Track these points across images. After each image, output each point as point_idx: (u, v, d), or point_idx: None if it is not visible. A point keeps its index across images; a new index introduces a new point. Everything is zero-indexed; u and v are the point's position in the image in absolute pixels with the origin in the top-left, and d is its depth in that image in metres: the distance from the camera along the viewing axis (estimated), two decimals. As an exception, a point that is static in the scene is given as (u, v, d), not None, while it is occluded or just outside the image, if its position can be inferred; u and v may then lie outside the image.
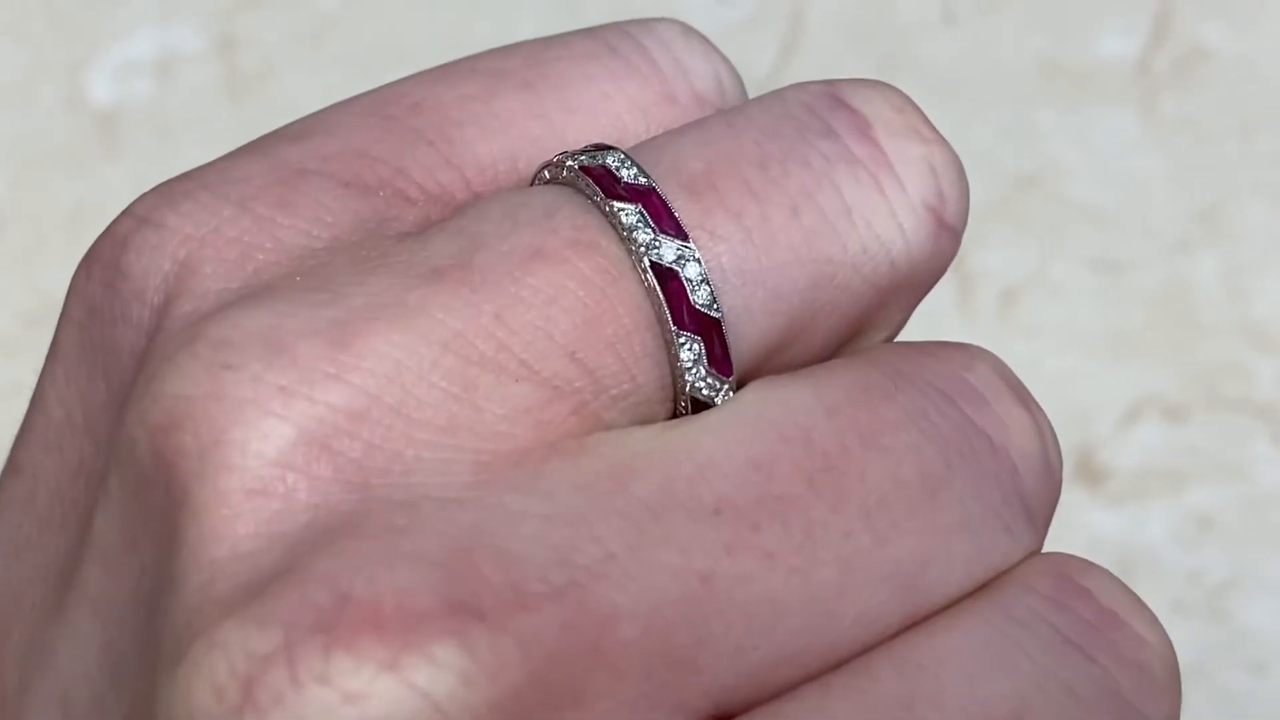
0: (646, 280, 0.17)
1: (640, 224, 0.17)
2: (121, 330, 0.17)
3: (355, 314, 0.16)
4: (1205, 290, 0.40)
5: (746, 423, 0.17)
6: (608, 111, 0.18)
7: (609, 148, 0.17)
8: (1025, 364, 0.40)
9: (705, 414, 0.17)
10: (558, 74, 0.18)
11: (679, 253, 0.17)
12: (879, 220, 0.18)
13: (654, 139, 0.18)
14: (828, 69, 0.42)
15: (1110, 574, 0.18)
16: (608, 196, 0.17)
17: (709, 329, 0.17)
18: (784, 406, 0.17)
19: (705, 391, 0.17)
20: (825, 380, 0.17)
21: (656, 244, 0.17)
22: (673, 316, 0.17)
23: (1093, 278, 0.40)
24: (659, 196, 0.17)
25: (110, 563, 0.16)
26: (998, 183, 0.41)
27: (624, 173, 0.17)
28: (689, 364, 0.17)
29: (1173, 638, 0.38)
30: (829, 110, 0.18)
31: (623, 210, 0.17)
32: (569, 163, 0.17)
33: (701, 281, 0.17)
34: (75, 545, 0.17)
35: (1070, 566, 0.18)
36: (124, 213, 0.18)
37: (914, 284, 0.18)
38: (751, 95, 0.20)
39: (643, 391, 0.17)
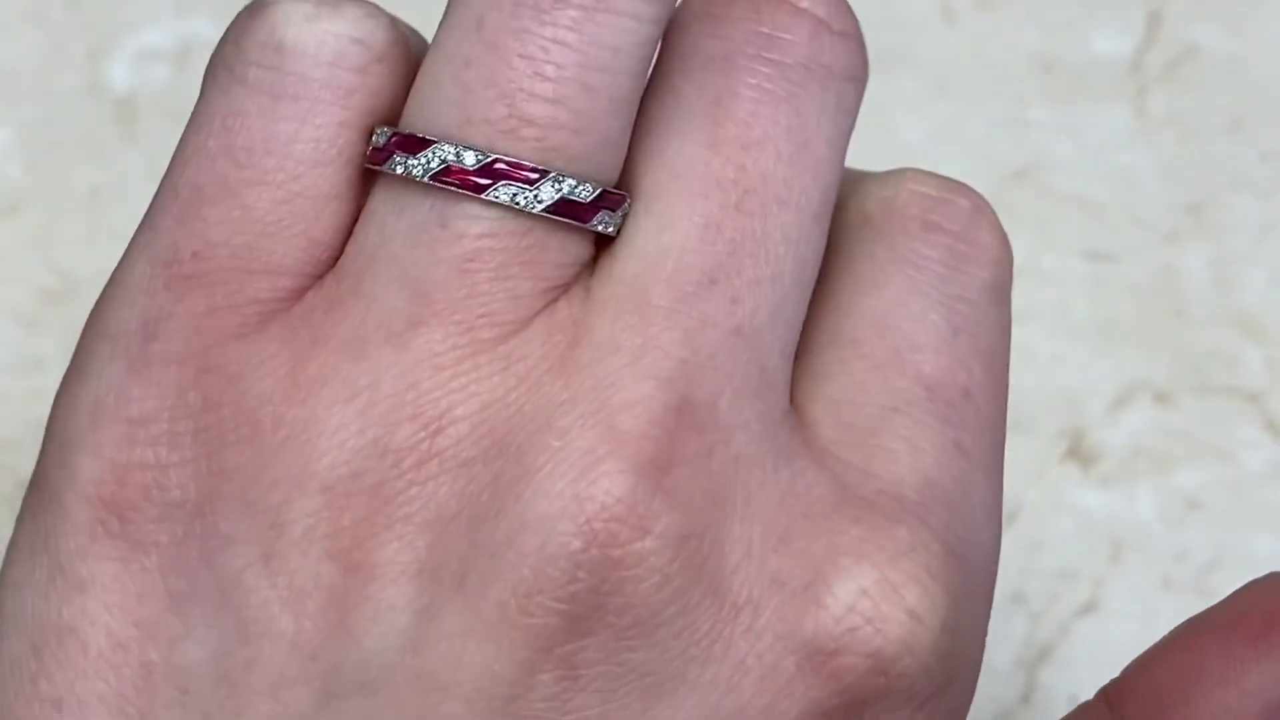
0: (553, 219, 0.20)
1: (516, 192, 0.20)
2: (227, 556, 0.19)
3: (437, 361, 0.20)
4: (1194, 280, 0.40)
5: (677, 198, 0.20)
6: (313, 155, 0.21)
7: (416, 142, 0.20)
8: (1019, 349, 0.41)
9: (643, 215, 0.21)
10: (247, 157, 0.21)
11: (555, 185, 0.20)
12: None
13: (427, 95, 0.21)
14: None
15: (934, 184, 0.23)
16: (467, 189, 0.20)
17: (608, 201, 0.20)
18: (684, 165, 0.21)
19: (626, 219, 0.21)
20: (691, 115, 0.21)
21: (535, 194, 0.20)
22: (580, 220, 0.20)
23: (1084, 267, 0.41)
24: (504, 162, 0.20)
25: None
26: (992, 175, 0.41)
27: (466, 159, 0.20)
28: (605, 226, 0.21)
29: (1161, 614, 0.39)
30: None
31: (495, 192, 0.20)
32: (414, 171, 0.20)
33: (580, 184, 0.20)
34: None
35: (925, 205, 0.23)
36: (110, 461, 0.20)
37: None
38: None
39: (590, 252, 0.21)
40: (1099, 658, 0.38)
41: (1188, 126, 0.42)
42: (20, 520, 0.21)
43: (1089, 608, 0.38)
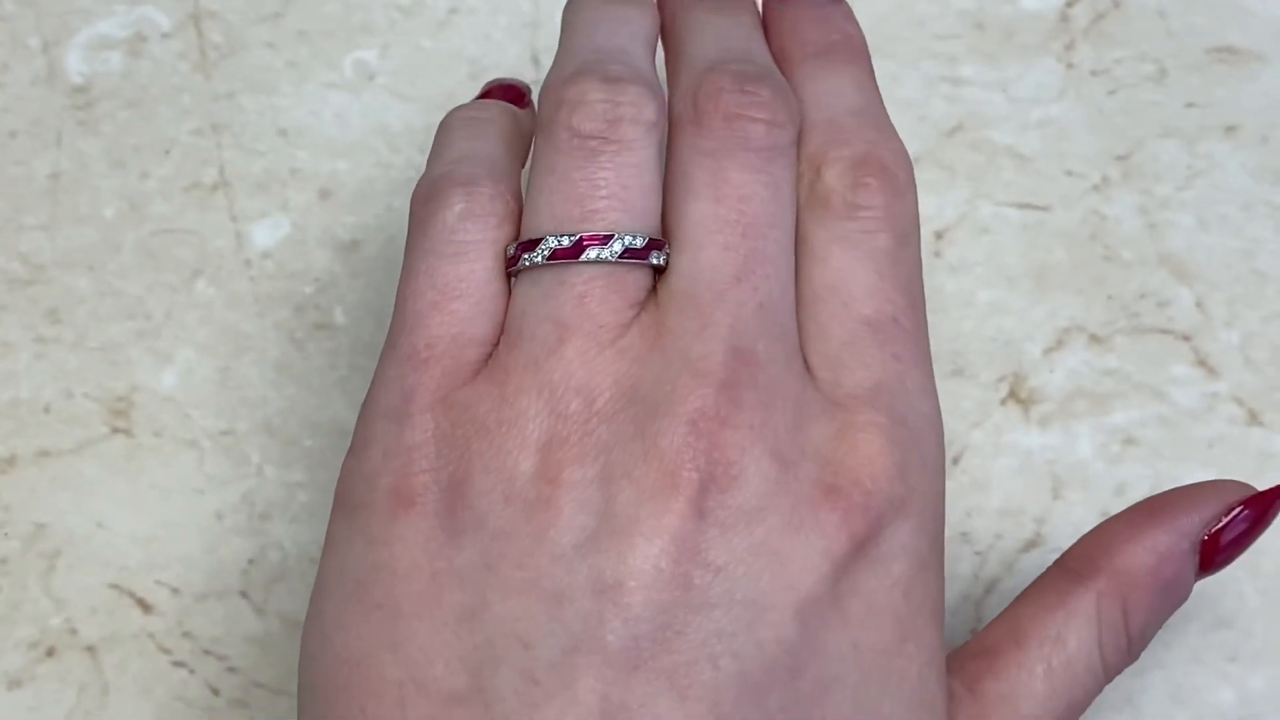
0: (634, 261, 0.31)
1: (599, 252, 0.31)
2: (481, 501, 0.31)
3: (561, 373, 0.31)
4: (1124, 226, 0.41)
5: (702, 235, 0.31)
6: (484, 276, 0.32)
7: (533, 242, 0.31)
8: (959, 297, 0.41)
9: (681, 251, 0.32)
10: (446, 286, 0.32)
11: (620, 242, 0.31)
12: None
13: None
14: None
15: (850, 174, 0.33)
16: (569, 258, 0.31)
17: (655, 245, 0.32)
18: (701, 217, 0.32)
19: (670, 256, 0.32)
20: (700, 187, 0.32)
21: (610, 249, 0.31)
22: (641, 258, 0.31)
23: (1019, 217, 0.41)
24: (587, 237, 0.31)
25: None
26: (927, 132, 0.42)
27: (564, 242, 0.31)
28: (657, 259, 0.32)
29: (1101, 546, 0.39)
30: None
31: (586, 255, 0.31)
32: (536, 259, 0.31)
33: (635, 237, 0.31)
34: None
35: (847, 193, 0.32)
36: (400, 472, 0.31)
37: None
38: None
39: (652, 279, 0.32)
40: (1044, 591, 0.38)
41: (1115, 78, 0.43)
42: (333, 524, 0.31)
43: (1032, 544, 0.39)
